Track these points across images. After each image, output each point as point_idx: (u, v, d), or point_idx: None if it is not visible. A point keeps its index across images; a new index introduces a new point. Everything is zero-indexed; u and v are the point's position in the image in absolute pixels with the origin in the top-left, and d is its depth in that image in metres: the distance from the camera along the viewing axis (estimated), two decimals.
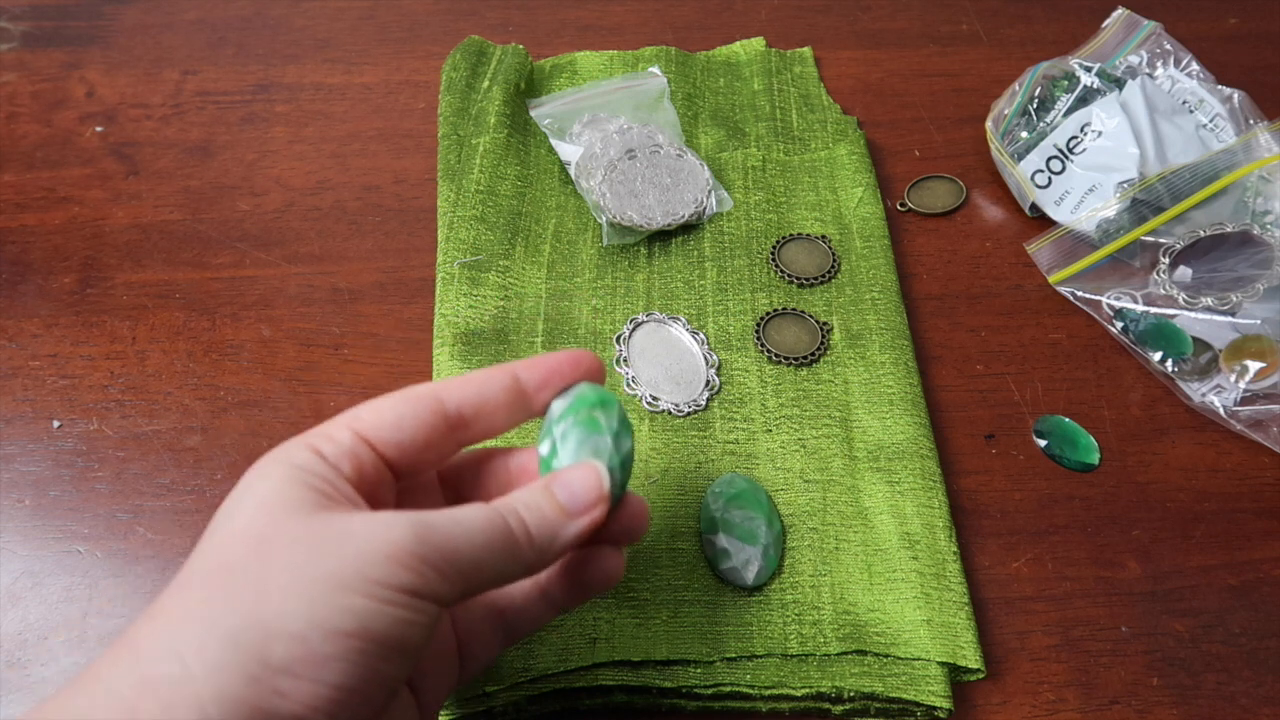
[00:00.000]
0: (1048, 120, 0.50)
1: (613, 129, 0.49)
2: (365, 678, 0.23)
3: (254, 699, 0.22)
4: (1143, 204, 0.47)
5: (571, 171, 0.49)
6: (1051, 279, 0.48)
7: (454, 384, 0.29)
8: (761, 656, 0.35)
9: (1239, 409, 0.42)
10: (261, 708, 0.22)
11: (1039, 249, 0.48)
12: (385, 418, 0.28)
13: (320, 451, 0.27)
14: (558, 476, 0.28)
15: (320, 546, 0.24)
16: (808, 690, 0.34)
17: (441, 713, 0.33)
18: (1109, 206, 0.47)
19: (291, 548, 0.24)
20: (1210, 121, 0.49)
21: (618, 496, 0.29)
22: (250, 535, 0.24)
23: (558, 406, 0.30)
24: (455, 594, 0.25)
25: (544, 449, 0.29)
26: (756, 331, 0.43)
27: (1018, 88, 0.51)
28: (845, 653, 0.35)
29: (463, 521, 0.26)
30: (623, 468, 0.29)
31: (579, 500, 0.28)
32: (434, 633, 0.25)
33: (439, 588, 0.25)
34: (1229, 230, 0.45)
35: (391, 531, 0.24)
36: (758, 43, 0.57)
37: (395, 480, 0.28)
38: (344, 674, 0.23)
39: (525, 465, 0.31)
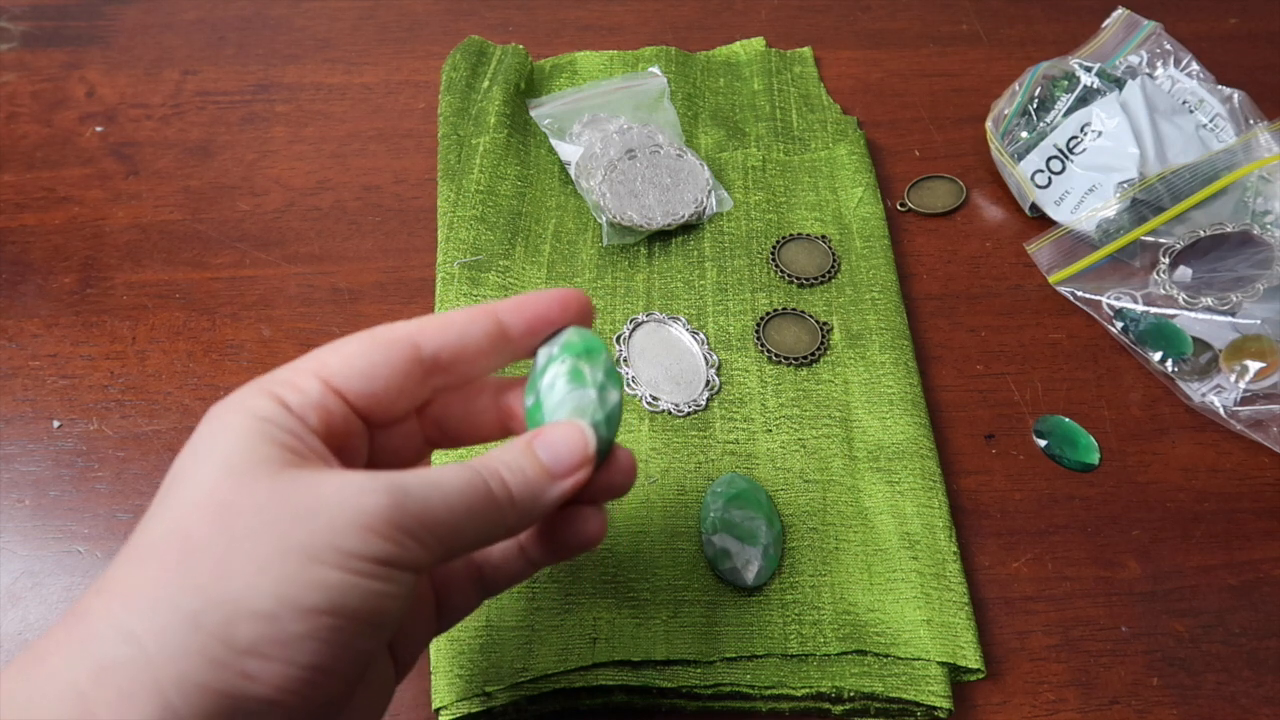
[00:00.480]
0: (1048, 120, 0.50)
1: (613, 129, 0.49)
2: (339, 655, 0.22)
3: (220, 684, 0.20)
4: (1143, 204, 0.47)
5: (571, 171, 0.49)
6: (1051, 279, 0.48)
7: (431, 327, 0.26)
8: (761, 656, 0.35)
9: (1239, 409, 0.42)
10: (228, 693, 0.20)
11: (1039, 249, 0.48)
12: (355, 365, 0.25)
13: (285, 402, 0.24)
14: (541, 435, 0.26)
15: (288, 515, 0.22)
16: (808, 690, 0.34)
17: (442, 713, 0.33)
18: (1109, 206, 0.47)
19: (257, 516, 0.22)
20: (1210, 121, 0.49)
21: (604, 453, 0.28)
22: (212, 501, 0.22)
23: (543, 355, 0.28)
24: (433, 560, 0.24)
25: (529, 401, 0.28)
26: (756, 331, 0.43)
27: (1018, 88, 0.51)
28: (845, 653, 0.35)
29: (441, 485, 0.24)
30: (608, 423, 0.28)
31: (563, 461, 0.26)
32: (411, 599, 0.24)
33: (417, 556, 0.23)
34: (1229, 230, 0.45)
35: (365, 499, 0.22)
36: (758, 43, 0.57)
37: (368, 429, 0.26)
38: (317, 653, 0.21)
39: (514, 407, 0.29)
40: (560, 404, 0.27)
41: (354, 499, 0.22)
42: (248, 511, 0.22)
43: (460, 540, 0.24)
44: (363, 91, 0.56)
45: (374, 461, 0.27)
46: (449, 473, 0.24)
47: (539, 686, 0.34)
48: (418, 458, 0.29)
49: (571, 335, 0.28)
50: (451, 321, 0.27)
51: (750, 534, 0.36)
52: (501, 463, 0.25)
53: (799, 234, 0.47)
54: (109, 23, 0.59)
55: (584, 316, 0.29)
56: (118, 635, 0.20)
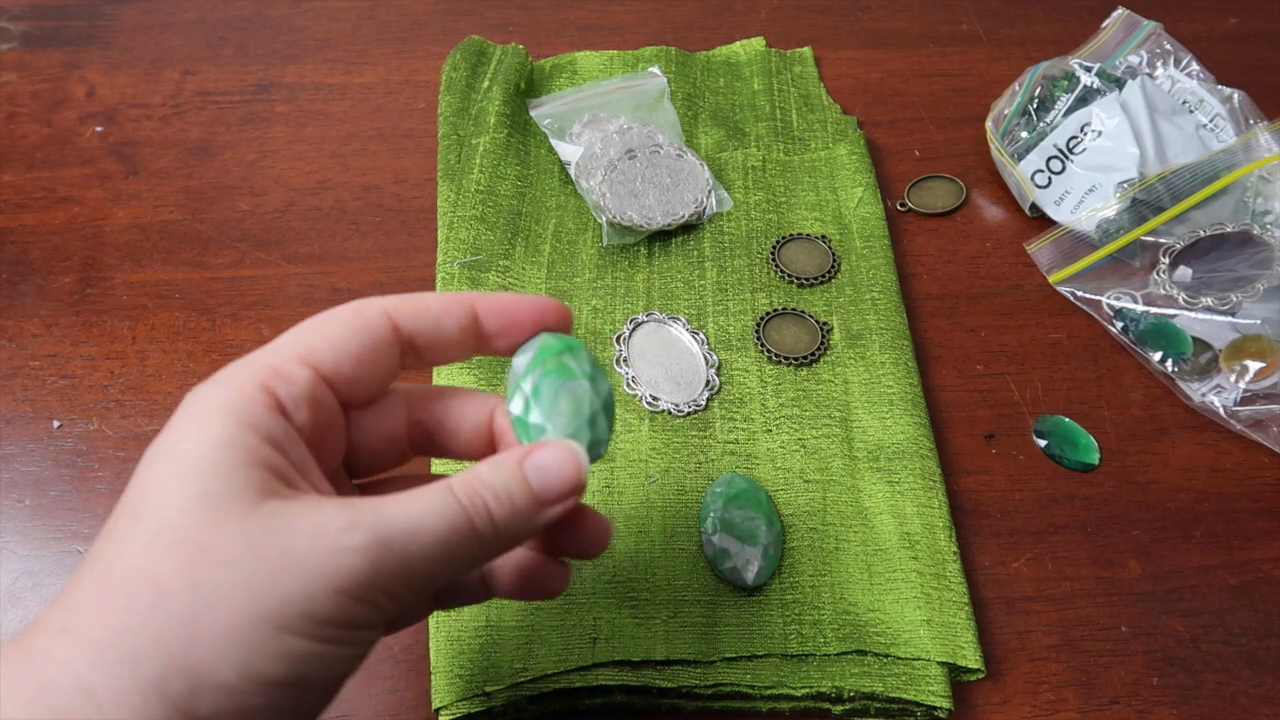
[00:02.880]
0: (1048, 120, 0.50)
1: (613, 129, 0.49)
2: (296, 719, 0.22)
3: None
4: (1143, 204, 0.47)
5: (571, 171, 0.49)
6: (1051, 279, 0.48)
7: (409, 310, 0.26)
8: (761, 656, 0.35)
9: (1239, 409, 0.42)
10: None
11: (1039, 249, 0.48)
12: (343, 350, 0.24)
13: (276, 396, 0.23)
14: (532, 455, 0.24)
15: (262, 572, 0.20)
16: (808, 690, 0.34)
17: (442, 713, 0.33)
18: (1109, 206, 0.47)
19: (230, 572, 0.20)
20: (1210, 121, 0.49)
21: (605, 444, 0.26)
22: (185, 540, 0.21)
23: (521, 361, 0.27)
24: (402, 609, 0.23)
25: (516, 408, 0.26)
26: (756, 331, 0.43)
27: (1018, 88, 0.51)
28: (845, 653, 0.35)
29: (420, 532, 0.22)
30: (606, 412, 0.27)
31: (553, 487, 0.24)
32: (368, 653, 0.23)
33: (386, 611, 0.22)
34: (1229, 230, 0.45)
35: (342, 559, 0.21)
36: (758, 43, 0.57)
37: (345, 412, 0.26)
38: None
39: (506, 429, 0.28)
40: (552, 401, 0.26)
41: (330, 558, 0.21)
42: (220, 563, 0.21)
43: (434, 583, 0.23)
44: (363, 91, 0.56)
45: (353, 448, 0.27)
46: (430, 510, 0.23)
47: (539, 686, 0.34)
48: (396, 447, 0.28)
49: (547, 339, 0.27)
50: (428, 307, 0.26)
51: (750, 534, 0.36)
52: (489, 489, 0.24)
53: (799, 234, 0.47)
54: (109, 23, 0.59)
55: (562, 327, 0.28)
56: (77, 690, 0.20)
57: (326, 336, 0.24)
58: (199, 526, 0.21)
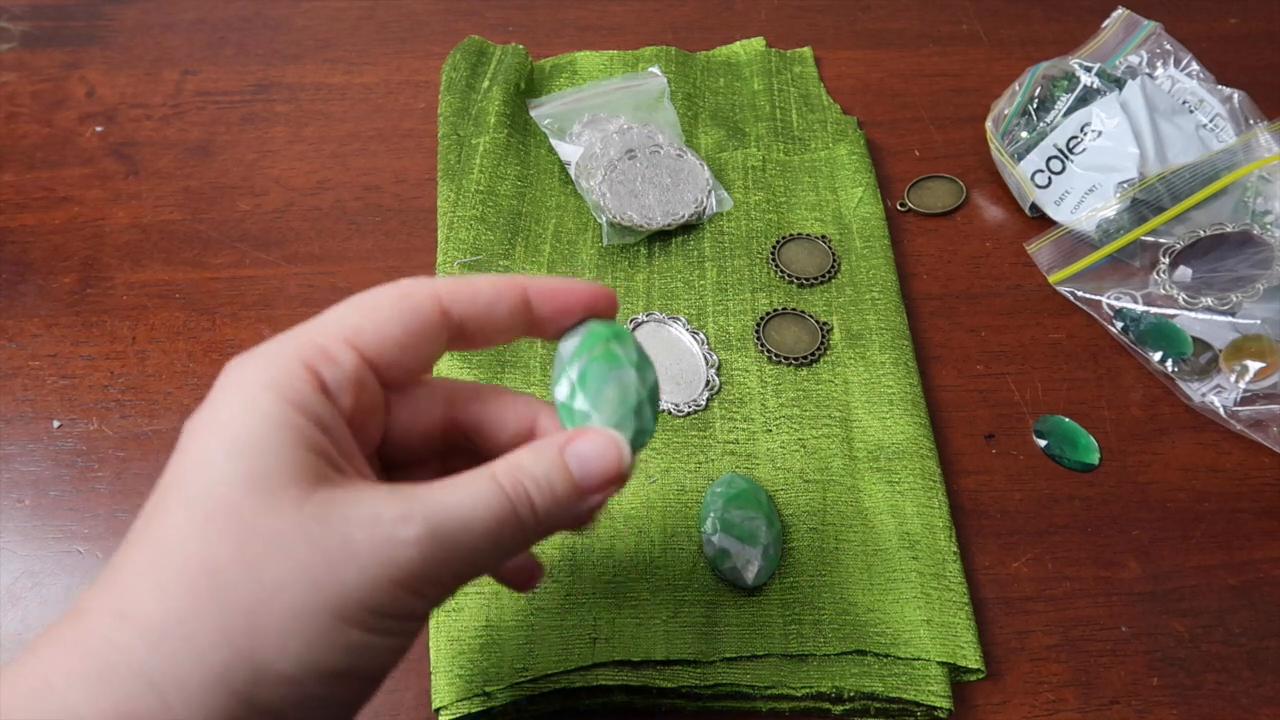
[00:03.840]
0: (1048, 120, 0.50)
1: (613, 129, 0.49)
2: (344, 712, 0.22)
3: None
4: (1143, 204, 0.47)
5: (571, 171, 0.49)
6: (1051, 279, 0.48)
7: (461, 295, 0.25)
8: (761, 656, 0.35)
9: (1239, 409, 0.42)
10: None
11: (1039, 249, 0.48)
12: (390, 334, 0.24)
13: (321, 378, 0.23)
14: (574, 444, 0.24)
15: (320, 562, 0.21)
16: (807, 690, 0.34)
17: (442, 713, 0.33)
18: (1109, 206, 0.47)
19: (287, 558, 0.20)
20: (1210, 121, 0.49)
21: (650, 434, 0.26)
22: (238, 523, 0.20)
23: (568, 347, 0.27)
24: (446, 598, 0.23)
25: (561, 393, 0.26)
26: (756, 331, 0.43)
27: (1018, 88, 0.51)
28: (845, 653, 0.35)
29: (473, 516, 0.22)
30: (651, 401, 0.26)
31: (594, 476, 0.24)
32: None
33: (435, 600, 0.22)
34: (1229, 230, 0.45)
35: (398, 551, 0.21)
36: (758, 43, 0.57)
37: (385, 392, 0.25)
38: (327, 713, 0.21)
39: (547, 425, 0.27)
40: (599, 388, 0.25)
41: (386, 549, 0.21)
42: (279, 551, 0.21)
43: (478, 573, 0.24)
44: (363, 91, 0.56)
45: (388, 438, 0.26)
46: (478, 500, 0.23)
47: (539, 686, 0.34)
48: (430, 443, 0.28)
49: (595, 325, 0.27)
50: (479, 291, 0.25)
51: (750, 534, 0.36)
52: (530, 478, 0.23)
53: (799, 234, 0.47)
54: (109, 23, 0.59)
55: (610, 314, 0.27)
56: (139, 681, 0.19)
57: (374, 320, 0.24)
58: (254, 510, 0.21)
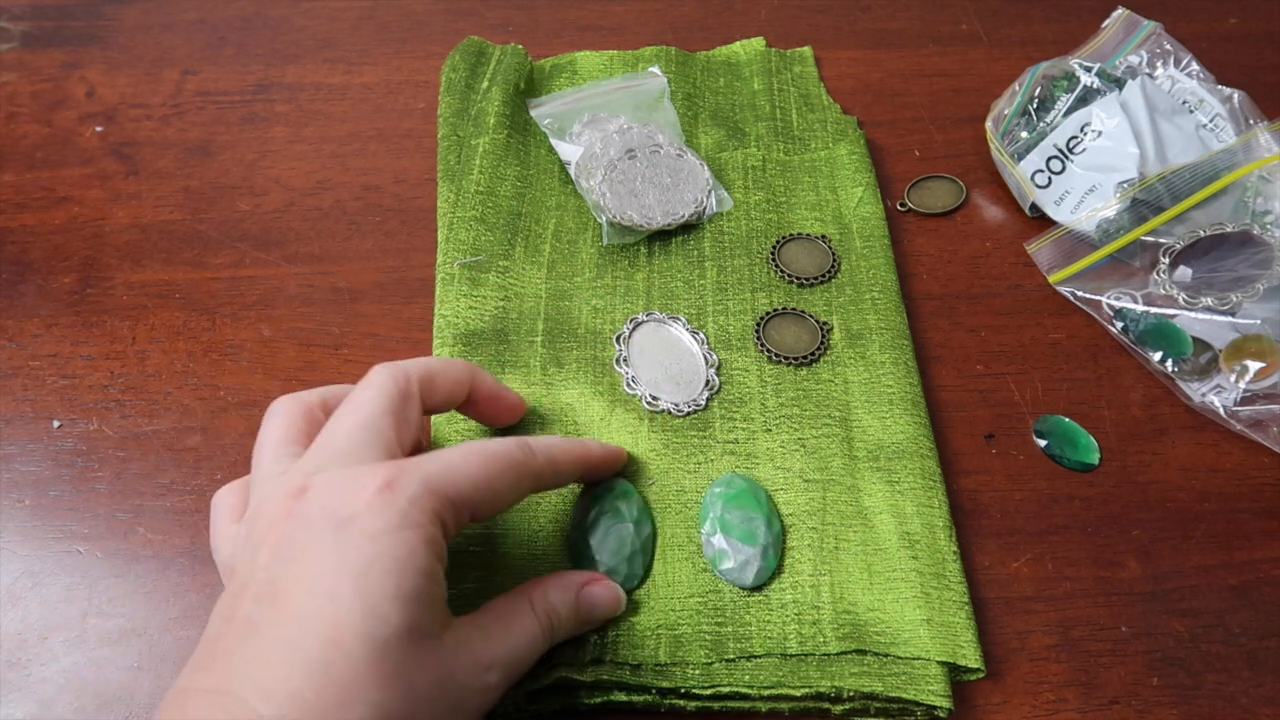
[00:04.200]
0: (1048, 120, 0.50)
1: (613, 129, 0.49)
2: None
3: None
4: (1143, 204, 0.47)
5: (571, 171, 0.49)
6: (1051, 279, 0.48)
7: (551, 472, 0.32)
8: (761, 656, 0.35)
9: (1239, 409, 0.42)
10: None
11: (1039, 249, 0.48)
12: (491, 507, 0.30)
13: (446, 531, 0.27)
14: (589, 589, 0.33)
15: (445, 710, 0.26)
16: (807, 690, 0.34)
17: None
18: (1109, 206, 0.47)
19: (430, 707, 0.25)
20: (1210, 121, 0.49)
21: (638, 578, 0.36)
22: (397, 675, 0.24)
23: (585, 499, 0.37)
24: None
25: (574, 536, 0.36)
26: (756, 331, 0.43)
27: (1018, 88, 0.51)
28: (845, 652, 0.35)
29: (528, 651, 0.30)
30: (644, 551, 0.36)
31: (598, 616, 0.33)
32: None
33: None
34: (1229, 230, 0.45)
35: (489, 694, 0.27)
36: (758, 42, 0.57)
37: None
38: None
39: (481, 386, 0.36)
40: (603, 536, 0.36)
41: (481, 693, 0.27)
42: (424, 700, 0.25)
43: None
44: (363, 91, 0.56)
45: None
46: (528, 636, 0.30)
47: (539, 684, 0.34)
48: None
49: (608, 483, 0.37)
50: (561, 467, 0.33)
51: (750, 534, 0.36)
52: (556, 614, 0.31)
53: (799, 234, 0.47)
54: (109, 23, 0.59)
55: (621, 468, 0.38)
56: None
57: (478, 487, 0.29)
58: (412, 663, 0.25)
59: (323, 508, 0.26)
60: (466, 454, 0.29)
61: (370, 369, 0.32)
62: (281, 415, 0.32)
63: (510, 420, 0.38)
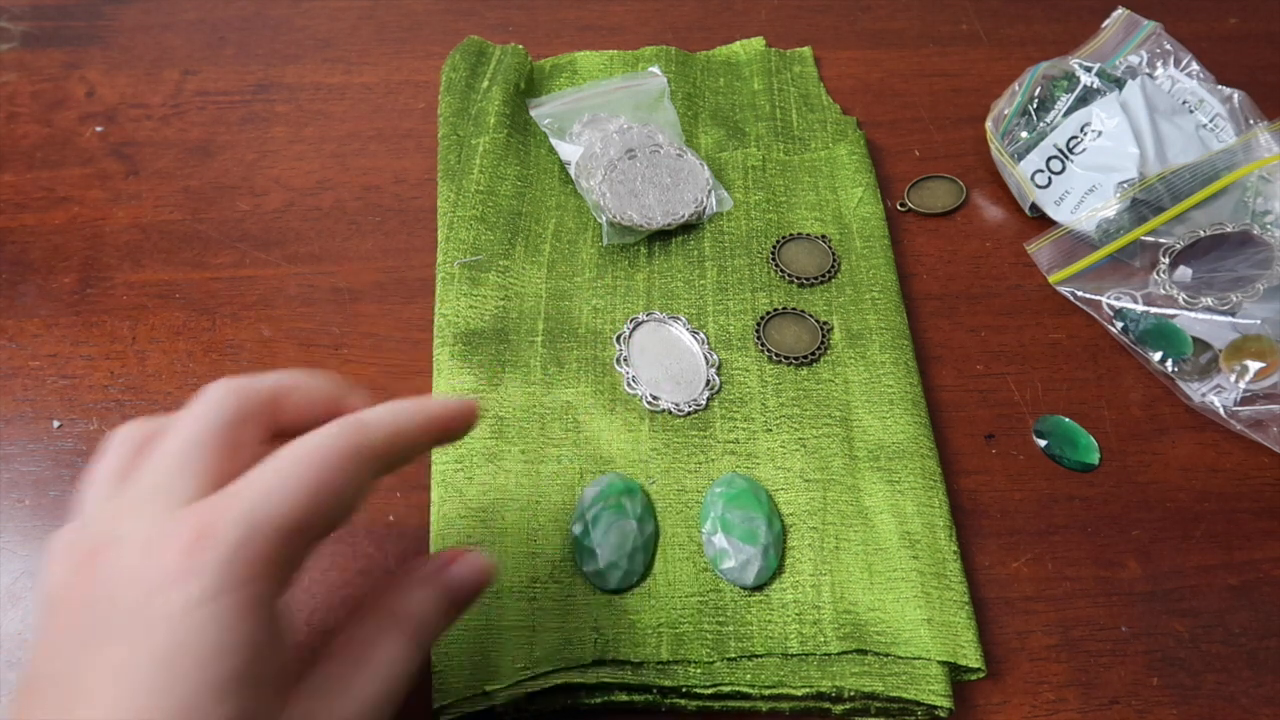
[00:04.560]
0: (1048, 120, 0.50)
1: (613, 129, 0.49)
2: None
3: None
4: (1143, 204, 0.47)
5: (571, 171, 0.49)
6: (1051, 279, 0.48)
7: (396, 429, 0.27)
8: (762, 656, 0.35)
9: (1239, 409, 0.42)
10: None
11: (1039, 249, 0.48)
12: (332, 517, 0.25)
13: (281, 575, 0.23)
14: (454, 575, 0.29)
15: None
16: (808, 690, 0.34)
17: (442, 713, 0.33)
18: (1109, 206, 0.47)
19: None
20: (1210, 121, 0.49)
21: (638, 575, 0.35)
22: None
23: (590, 493, 0.37)
24: None
25: (577, 529, 0.36)
26: (756, 331, 0.43)
27: (1018, 88, 0.51)
28: (845, 652, 0.35)
29: (395, 677, 0.26)
30: (645, 548, 0.36)
31: (469, 601, 0.29)
32: None
33: None
34: (1229, 230, 0.45)
35: None
36: (758, 42, 0.57)
37: None
38: None
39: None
40: (605, 530, 0.35)
41: None
42: None
43: None
44: (363, 91, 0.56)
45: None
46: (393, 662, 0.26)
47: (539, 684, 0.34)
48: None
49: (614, 478, 0.37)
50: (406, 436, 0.27)
51: (750, 534, 0.36)
52: (416, 612, 0.28)
53: (799, 234, 0.47)
54: (109, 23, 0.59)
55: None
56: None
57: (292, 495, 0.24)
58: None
59: (122, 577, 0.22)
60: (293, 462, 0.24)
61: (210, 384, 0.27)
62: (132, 428, 0.28)
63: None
